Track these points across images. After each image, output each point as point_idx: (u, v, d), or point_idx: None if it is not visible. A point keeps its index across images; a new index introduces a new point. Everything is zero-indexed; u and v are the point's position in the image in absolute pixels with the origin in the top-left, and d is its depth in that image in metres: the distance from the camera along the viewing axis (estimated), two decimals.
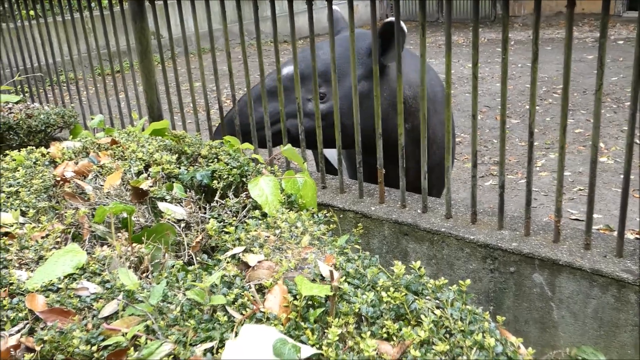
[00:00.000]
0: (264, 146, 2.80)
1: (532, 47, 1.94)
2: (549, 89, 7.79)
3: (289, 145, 2.28)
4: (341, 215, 2.43)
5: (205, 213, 1.89)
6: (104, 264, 1.51)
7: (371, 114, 2.56)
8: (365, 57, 2.56)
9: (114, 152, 2.22)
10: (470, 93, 8.07)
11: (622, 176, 4.79)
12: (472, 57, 2.08)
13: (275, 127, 2.72)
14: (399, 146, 2.30)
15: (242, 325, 1.26)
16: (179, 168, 2.07)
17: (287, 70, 2.68)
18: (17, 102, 4.02)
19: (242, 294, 1.36)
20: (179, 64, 7.53)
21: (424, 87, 2.15)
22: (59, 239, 1.65)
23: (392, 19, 2.34)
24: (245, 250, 1.58)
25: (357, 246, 1.75)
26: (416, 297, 1.37)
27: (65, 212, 1.76)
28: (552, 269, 1.97)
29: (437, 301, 1.37)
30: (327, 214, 1.95)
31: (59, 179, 1.97)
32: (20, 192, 1.93)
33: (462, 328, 1.26)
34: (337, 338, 1.20)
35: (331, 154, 3.62)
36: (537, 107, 7.04)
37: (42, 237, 1.65)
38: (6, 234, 1.67)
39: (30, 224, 1.73)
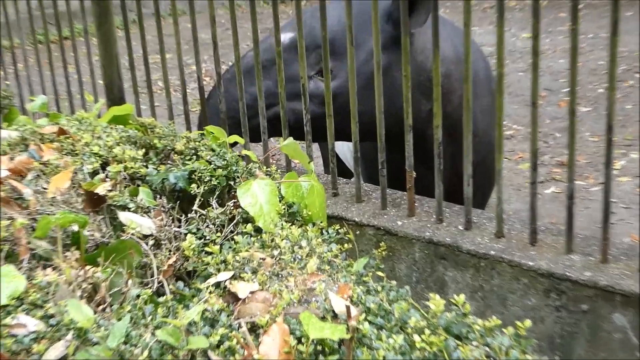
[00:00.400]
0: (257, 139, 2.80)
1: (610, 13, 1.93)
2: (629, 66, 7.78)
3: (290, 139, 2.28)
4: (358, 232, 2.42)
5: (180, 226, 1.89)
6: (47, 293, 1.51)
7: (390, 97, 2.55)
8: (382, 22, 2.56)
9: (62, 146, 2.23)
10: (524, 71, 8.06)
11: None
12: (532, 28, 2.06)
13: (270, 112, 2.72)
14: (435, 142, 2.29)
15: None
16: (147, 167, 2.08)
17: (285, 37, 2.67)
18: None
19: (230, 334, 1.36)
20: (148, 29, 7.52)
21: (468, 65, 2.15)
22: None
23: None
24: (233, 277, 1.58)
25: (379, 273, 1.74)
26: (459, 342, 1.37)
27: None
28: (639, 309, 1.96)
29: (487, 348, 1.36)
30: (339, 230, 1.95)
31: None
32: None
33: None
34: None
35: (343, 151, 3.62)
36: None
37: None
38: None
39: None
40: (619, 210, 4.67)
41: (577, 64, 2.05)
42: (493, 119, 2.27)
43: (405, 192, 2.50)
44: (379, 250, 2.05)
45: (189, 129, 3.05)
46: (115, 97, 3.38)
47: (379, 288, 1.61)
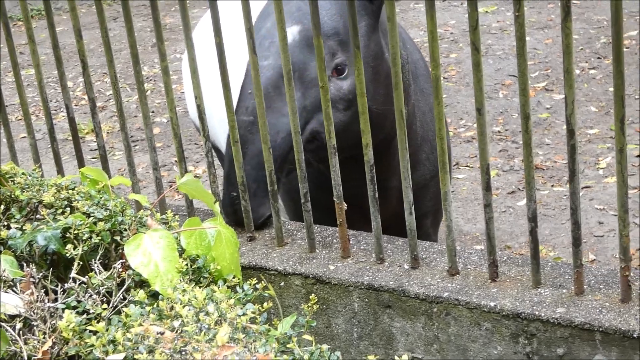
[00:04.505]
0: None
1: None
2: (609, 39, 7.99)
3: (189, 176, 2.32)
4: (282, 283, 2.47)
5: (57, 300, 1.89)
6: None
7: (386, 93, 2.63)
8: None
9: None
10: (484, 55, 8.19)
11: None
12: (470, 15, 2.15)
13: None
14: (366, 164, 2.36)
15: None
16: (8, 228, 2.08)
17: (291, 33, 2.62)
18: None
19: None
20: None
21: (397, 69, 2.22)
22: None
23: None
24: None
25: (307, 337, 1.79)
26: None
27: None
28: (623, 347, 2.04)
29: None
30: (257, 285, 1.98)
31: None
32: None
33: None
34: None
35: None
36: (592, 71, 7.23)
37: None
38: None
39: None
40: (608, 219, 4.80)
41: (525, 46, 2.11)
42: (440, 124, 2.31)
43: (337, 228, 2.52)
44: (309, 304, 2.10)
45: (60, 172, 3.04)
46: None
47: (307, 355, 1.65)
